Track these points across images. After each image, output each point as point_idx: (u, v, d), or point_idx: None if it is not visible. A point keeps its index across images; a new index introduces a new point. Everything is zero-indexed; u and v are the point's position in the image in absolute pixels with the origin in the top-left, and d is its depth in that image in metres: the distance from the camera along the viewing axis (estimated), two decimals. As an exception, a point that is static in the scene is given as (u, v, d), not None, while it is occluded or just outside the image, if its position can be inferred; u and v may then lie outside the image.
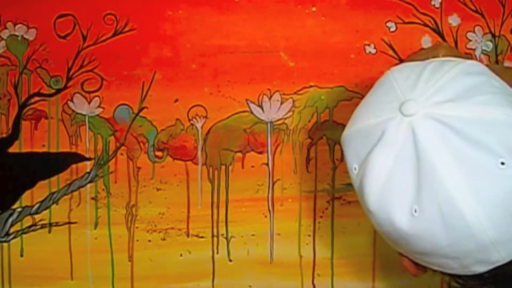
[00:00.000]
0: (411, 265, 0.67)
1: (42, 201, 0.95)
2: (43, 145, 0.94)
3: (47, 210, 0.95)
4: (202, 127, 0.95)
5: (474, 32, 0.95)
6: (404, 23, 0.94)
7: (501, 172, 0.55)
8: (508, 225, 0.56)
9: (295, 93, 0.95)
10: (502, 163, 0.55)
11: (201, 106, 0.94)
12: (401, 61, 0.94)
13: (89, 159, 0.94)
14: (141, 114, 0.94)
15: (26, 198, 0.95)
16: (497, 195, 0.55)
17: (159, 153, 0.95)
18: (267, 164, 0.96)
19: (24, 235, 0.95)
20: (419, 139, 0.57)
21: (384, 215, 0.59)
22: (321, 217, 0.97)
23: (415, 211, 0.57)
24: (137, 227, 0.96)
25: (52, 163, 0.94)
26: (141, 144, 0.95)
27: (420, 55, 0.76)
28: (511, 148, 0.55)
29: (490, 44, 0.95)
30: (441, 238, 0.57)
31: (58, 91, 0.93)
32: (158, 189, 0.95)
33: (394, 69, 0.64)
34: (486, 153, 0.55)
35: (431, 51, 0.75)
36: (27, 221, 0.95)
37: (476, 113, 0.56)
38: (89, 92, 0.93)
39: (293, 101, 0.95)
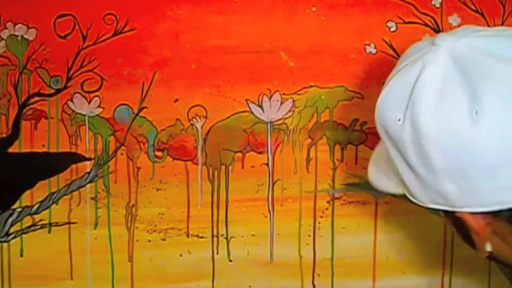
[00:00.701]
0: (477, 223, 0.62)
1: (42, 201, 0.95)
2: (43, 145, 0.94)
3: (47, 210, 0.95)
4: (202, 127, 0.95)
5: (474, 32, 0.95)
6: (404, 23, 0.94)
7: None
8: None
9: (295, 93, 0.95)
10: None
11: (201, 106, 0.94)
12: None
13: (89, 159, 0.94)
14: (141, 114, 0.94)
15: (26, 198, 0.95)
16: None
17: (159, 153, 0.95)
18: (267, 164, 0.96)
19: (24, 235, 0.95)
20: (459, 55, 0.59)
21: (445, 128, 0.58)
22: (321, 217, 0.97)
23: (476, 112, 0.56)
24: (137, 227, 0.96)
25: (52, 163, 0.94)
26: (141, 144, 0.95)
27: None
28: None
29: (490, 44, 0.95)
30: (510, 132, 0.56)
31: (58, 91, 0.93)
32: (158, 189, 0.95)
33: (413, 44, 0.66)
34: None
35: None
36: (27, 221, 0.95)
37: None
38: (89, 92, 0.93)
39: (293, 101, 0.95)
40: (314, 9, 0.94)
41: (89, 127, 0.94)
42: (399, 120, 0.62)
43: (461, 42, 0.60)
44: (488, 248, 0.63)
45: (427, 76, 0.60)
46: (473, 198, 0.60)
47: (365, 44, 0.95)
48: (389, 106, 0.63)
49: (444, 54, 0.60)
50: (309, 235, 0.97)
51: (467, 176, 0.59)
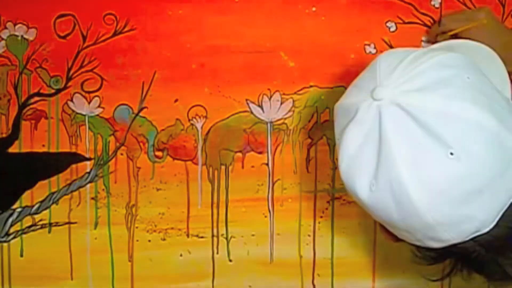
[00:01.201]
0: (383, 231, 0.72)
1: (42, 201, 0.95)
2: (43, 145, 0.94)
3: (47, 210, 0.95)
4: (202, 127, 0.95)
5: (474, 32, 0.95)
6: (404, 23, 0.94)
7: (448, 162, 0.59)
8: (451, 209, 0.61)
9: (295, 93, 0.95)
10: (451, 153, 0.59)
11: (201, 106, 0.94)
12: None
13: (89, 159, 0.94)
14: (141, 114, 0.94)
15: (26, 198, 0.95)
16: (442, 183, 0.60)
17: (159, 153, 0.95)
18: (267, 164, 0.96)
19: (24, 235, 0.95)
20: (382, 122, 0.61)
21: (350, 185, 0.65)
22: (321, 217, 0.97)
23: (373, 185, 0.62)
24: (137, 227, 0.96)
25: (52, 163, 0.94)
26: (141, 144, 0.95)
27: (463, 13, 0.86)
28: (462, 141, 0.59)
29: (490, 44, 0.95)
30: (392, 212, 0.63)
31: (58, 91, 0.93)
32: (158, 189, 0.95)
33: (382, 55, 0.68)
34: (439, 143, 0.59)
35: (474, 12, 0.85)
36: (27, 221, 0.95)
37: (437, 105, 0.60)
38: (89, 92, 0.93)
39: (293, 101, 0.95)
40: (314, 9, 0.94)
41: (89, 127, 0.94)
42: (337, 139, 0.67)
43: (395, 101, 0.61)
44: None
45: (355, 127, 0.64)
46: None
47: (365, 44, 0.95)
48: (336, 121, 0.69)
49: (374, 112, 0.62)
50: (309, 235, 0.97)
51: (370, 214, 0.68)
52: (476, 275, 0.72)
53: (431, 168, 0.59)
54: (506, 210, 0.62)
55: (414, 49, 0.67)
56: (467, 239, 0.64)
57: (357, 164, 0.64)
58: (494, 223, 0.62)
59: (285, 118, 0.95)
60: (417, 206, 0.60)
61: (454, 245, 0.65)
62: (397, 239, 0.71)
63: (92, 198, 0.95)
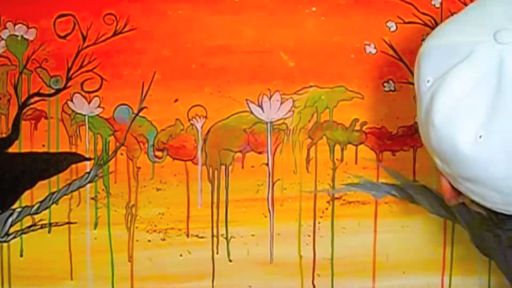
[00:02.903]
0: (449, 190, 0.66)
1: (42, 201, 0.95)
2: (43, 145, 0.94)
3: (47, 210, 0.95)
4: (202, 127, 0.95)
5: (474, 32, 0.95)
6: (404, 23, 0.94)
7: None
8: None
9: (295, 93, 0.95)
10: None
11: (201, 106, 0.94)
12: (402, 61, 0.94)
13: (89, 159, 0.94)
14: (141, 114, 0.94)
15: (26, 198, 0.95)
16: None
17: (159, 153, 0.95)
18: (267, 164, 0.96)
19: (24, 235, 0.95)
20: (505, 69, 0.56)
21: (448, 132, 0.59)
22: (321, 217, 0.97)
23: (480, 136, 0.57)
24: (137, 227, 0.96)
25: (52, 163, 0.94)
26: (141, 144, 0.95)
27: None
28: None
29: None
30: (498, 169, 0.57)
31: (58, 91, 0.93)
32: (158, 189, 0.95)
33: None
34: None
35: None
36: (27, 221, 0.95)
37: None
38: (89, 92, 0.93)
39: (293, 101, 0.95)
40: (314, 9, 0.94)
41: (89, 127, 0.94)
42: (428, 81, 0.62)
43: None
44: (460, 201, 0.67)
45: (467, 69, 0.58)
46: (452, 179, 0.64)
47: (365, 44, 0.95)
48: (428, 62, 0.62)
49: (495, 55, 0.58)
50: (309, 235, 0.97)
51: (452, 169, 0.62)
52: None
53: None
54: None
55: None
56: None
57: (463, 110, 0.58)
58: None
59: (285, 118, 0.95)
60: None
61: None
62: (458, 198, 0.66)
63: (92, 198, 0.95)
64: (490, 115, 0.57)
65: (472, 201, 0.65)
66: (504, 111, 0.56)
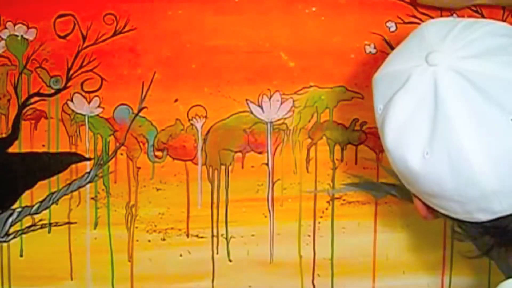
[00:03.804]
0: (422, 207, 0.70)
1: (42, 201, 0.95)
2: (43, 145, 0.94)
3: (47, 210, 0.95)
4: (202, 127, 0.95)
5: (474, 32, 0.95)
6: (404, 23, 0.94)
7: (510, 129, 0.58)
8: (510, 178, 0.59)
9: (295, 93, 0.95)
10: None
11: (201, 106, 0.94)
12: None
13: (89, 159, 0.94)
14: (141, 114, 0.94)
15: (26, 198, 0.95)
16: (504, 149, 0.58)
17: (159, 153, 0.95)
18: (267, 164, 0.96)
19: (24, 235, 0.95)
20: (439, 89, 0.60)
21: (399, 154, 0.63)
22: (321, 217, 0.97)
23: (427, 153, 0.61)
24: (137, 227, 0.96)
25: (52, 163, 0.94)
26: (141, 144, 0.95)
27: None
28: None
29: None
30: (447, 181, 0.61)
31: (58, 91, 0.93)
32: (158, 189, 0.95)
33: (429, 22, 0.67)
34: (500, 109, 0.58)
35: None
36: (27, 221, 0.95)
37: (496, 71, 0.59)
38: (88, 92, 0.93)
39: (293, 101, 0.95)
40: (314, 9, 0.94)
41: (89, 127, 0.94)
42: (380, 109, 0.66)
43: (452, 67, 0.60)
44: (436, 217, 0.71)
45: (406, 94, 0.62)
46: (420, 197, 0.68)
47: (365, 44, 0.95)
48: (378, 90, 0.67)
49: (428, 77, 0.61)
50: (309, 235, 0.97)
51: (413, 188, 0.67)
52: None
53: (493, 135, 0.58)
54: None
55: (460, 18, 0.67)
56: None
57: (409, 131, 0.62)
58: None
59: (285, 118, 0.95)
60: (477, 174, 0.59)
61: (499, 219, 0.63)
62: (433, 215, 0.70)
63: (92, 198, 0.95)
64: (432, 132, 0.60)
65: (442, 215, 0.68)
66: (443, 126, 0.60)
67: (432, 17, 0.94)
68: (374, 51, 0.95)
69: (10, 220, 0.95)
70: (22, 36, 0.92)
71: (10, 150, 0.94)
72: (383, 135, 0.65)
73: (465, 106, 0.59)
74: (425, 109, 0.61)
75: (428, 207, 0.69)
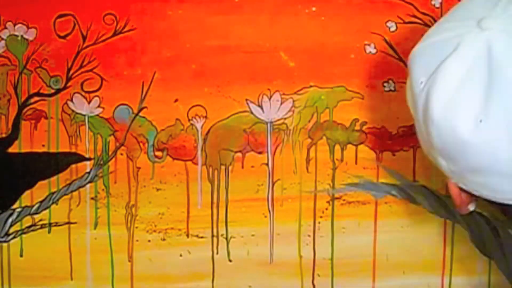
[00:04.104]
0: (459, 194, 0.66)
1: (41, 201, 0.95)
2: (43, 145, 0.94)
3: (47, 210, 0.95)
4: (202, 127, 0.95)
5: (474, 32, 0.95)
6: (404, 23, 0.94)
7: None
8: None
9: (295, 93, 0.95)
10: None
11: (201, 106, 0.94)
12: (402, 61, 0.94)
13: (89, 159, 0.94)
14: (141, 114, 0.94)
15: (26, 198, 0.95)
16: None
17: (159, 153, 0.95)
18: (267, 164, 0.96)
19: (23, 235, 0.95)
20: (494, 53, 0.58)
21: (448, 124, 0.60)
22: (321, 217, 0.97)
23: (481, 121, 0.58)
24: (137, 227, 0.96)
25: (52, 163, 0.94)
26: (141, 144, 0.95)
27: None
28: None
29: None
30: (502, 150, 0.58)
31: (58, 91, 0.93)
32: (158, 189, 0.95)
33: None
34: None
35: None
36: (27, 221, 0.95)
37: None
38: (88, 92, 0.93)
39: (293, 101, 0.95)
40: (314, 9, 0.94)
41: (89, 127, 0.94)
42: (421, 82, 0.63)
43: (507, 31, 0.58)
44: (471, 208, 0.67)
45: (457, 60, 0.59)
46: (459, 179, 0.64)
47: (365, 44, 0.95)
48: (419, 63, 0.64)
49: (482, 42, 0.59)
50: (309, 235, 0.97)
51: (457, 164, 0.62)
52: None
53: None
54: None
55: None
56: None
57: (460, 99, 0.59)
58: None
59: (285, 118, 0.95)
60: None
61: None
62: (469, 204, 0.67)
63: (92, 198, 0.95)
64: (487, 98, 0.57)
65: (483, 200, 0.64)
66: (500, 92, 0.57)
67: (432, 17, 0.94)
68: (374, 51, 0.95)
69: (10, 220, 0.95)
70: (22, 36, 0.92)
71: (10, 150, 0.94)
72: (429, 108, 0.61)
73: None
74: (478, 75, 0.58)
75: (466, 193, 0.66)
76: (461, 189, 0.66)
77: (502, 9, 0.60)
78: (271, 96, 0.95)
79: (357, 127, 0.96)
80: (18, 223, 0.95)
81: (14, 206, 0.95)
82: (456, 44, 0.60)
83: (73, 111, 0.94)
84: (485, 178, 0.62)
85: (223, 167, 0.96)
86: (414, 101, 0.64)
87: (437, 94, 0.60)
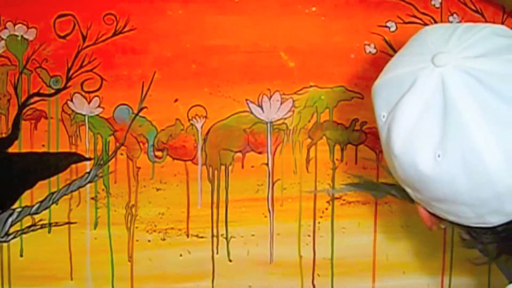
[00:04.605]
0: (428, 217, 0.69)
1: (41, 201, 0.95)
2: (43, 145, 0.94)
3: (47, 210, 0.95)
4: (202, 127, 0.95)
5: (474, 32, 0.95)
6: (404, 23, 0.94)
7: None
8: None
9: (295, 93, 0.95)
10: None
11: (201, 106, 0.94)
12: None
13: (89, 159, 0.94)
14: (141, 114, 0.94)
15: (26, 198, 0.95)
16: None
17: (159, 153, 0.95)
18: (267, 164, 0.96)
19: (23, 235, 0.95)
20: (448, 89, 0.60)
21: (408, 158, 0.62)
22: (321, 217, 0.97)
23: (439, 156, 0.60)
24: (137, 227, 0.96)
25: (52, 163, 0.94)
26: (141, 144, 0.95)
27: None
28: None
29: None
30: (461, 183, 0.60)
31: (58, 91, 0.93)
32: (158, 189, 0.95)
33: (428, 28, 0.67)
34: (510, 106, 0.58)
35: None
36: (27, 221, 0.95)
37: (502, 69, 0.59)
38: (88, 92, 0.93)
39: (293, 101, 0.95)
40: (314, 9, 0.94)
41: (89, 127, 0.94)
42: (383, 116, 0.66)
43: (460, 67, 0.60)
44: (442, 226, 0.70)
45: (414, 96, 0.62)
46: (425, 205, 0.67)
47: (365, 44, 0.95)
48: (380, 97, 0.66)
49: (436, 78, 0.61)
50: (309, 235, 0.97)
51: (421, 194, 0.65)
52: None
53: (506, 131, 0.58)
54: None
55: (459, 23, 0.67)
56: None
57: (418, 135, 0.61)
58: None
59: (285, 118, 0.95)
60: (491, 171, 0.58)
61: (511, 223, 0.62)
62: (438, 224, 0.69)
63: (92, 198, 0.95)
64: (443, 133, 0.60)
65: (451, 223, 0.67)
66: (455, 126, 0.59)
67: (432, 17, 0.94)
68: (374, 51, 0.95)
69: (10, 220, 0.95)
70: (22, 36, 0.92)
71: (10, 150, 0.94)
72: (390, 142, 0.64)
73: (475, 104, 0.58)
74: (434, 111, 0.60)
75: (434, 216, 0.68)
76: (430, 212, 0.68)
77: (454, 44, 0.62)
78: (271, 96, 0.95)
79: (357, 127, 0.96)
80: (18, 223, 0.95)
81: (14, 206, 0.95)
82: (413, 80, 0.62)
83: (73, 111, 0.94)
84: (449, 206, 0.64)
85: (223, 167, 0.96)
86: (379, 133, 0.67)
87: (397, 129, 0.63)
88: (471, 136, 0.58)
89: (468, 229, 0.66)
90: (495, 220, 0.63)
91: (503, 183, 0.59)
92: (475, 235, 0.67)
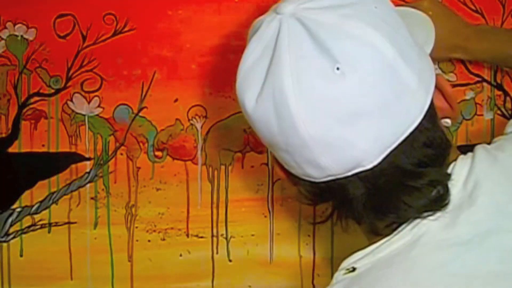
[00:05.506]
0: (275, 165, 0.70)
1: (41, 201, 0.95)
2: (43, 145, 0.94)
3: (47, 210, 0.95)
4: (201, 127, 0.95)
5: (474, 32, 0.95)
6: (404, 23, 0.94)
7: (332, 76, 0.58)
8: (327, 127, 0.59)
9: (295, 93, 0.95)
10: (337, 68, 0.58)
11: (201, 106, 0.94)
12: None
13: (88, 159, 0.94)
14: (140, 114, 0.94)
15: (25, 198, 0.95)
16: (320, 95, 0.59)
17: (158, 153, 0.95)
18: (267, 164, 0.96)
19: (23, 235, 0.95)
20: (279, 35, 0.61)
21: (240, 98, 0.65)
22: (321, 217, 0.97)
23: (259, 96, 0.62)
24: (136, 227, 0.96)
25: (52, 163, 0.94)
26: (141, 144, 0.95)
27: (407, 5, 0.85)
28: (350, 59, 0.58)
29: (490, 44, 0.95)
30: (274, 127, 0.62)
31: (58, 91, 0.93)
32: (157, 189, 0.95)
33: None
34: (328, 57, 0.59)
35: (417, 4, 0.84)
36: (27, 221, 0.95)
37: (332, 20, 0.60)
38: (88, 92, 0.93)
39: (293, 101, 0.95)
40: (314, 9, 0.94)
41: (89, 127, 0.94)
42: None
43: (295, 15, 0.61)
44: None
45: (255, 42, 0.64)
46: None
47: (365, 44, 0.94)
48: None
49: (274, 25, 0.62)
50: (309, 235, 0.97)
51: (259, 137, 0.67)
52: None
53: (313, 79, 0.59)
54: (393, 149, 0.60)
55: None
56: (348, 173, 0.62)
57: (250, 76, 0.64)
58: (379, 159, 0.60)
59: (285, 118, 0.95)
60: (294, 117, 0.59)
61: (335, 181, 0.63)
62: (287, 177, 0.69)
63: (92, 198, 0.95)
64: (265, 77, 0.62)
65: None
66: (273, 71, 0.61)
67: (432, 17, 0.94)
68: (374, 51, 0.94)
69: (10, 220, 0.95)
70: (22, 36, 0.92)
71: (10, 150, 0.94)
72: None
73: (295, 51, 0.60)
74: (266, 55, 0.62)
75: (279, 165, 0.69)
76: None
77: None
78: (271, 96, 0.95)
79: (357, 127, 0.96)
80: (18, 223, 0.95)
81: (14, 206, 0.95)
82: (258, 27, 0.65)
83: (73, 111, 0.94)
84: (276, 152, 0.66)
85: (223, 167, 0.96)
86: None
87: (238, 71, 0.66)
88: (281, 78, 0.60)
89: (300, 181, 0.66)
90: (314, 173, 0.63)
91: (305, 131, 0.60)
92: (304, 190, 0.67)
